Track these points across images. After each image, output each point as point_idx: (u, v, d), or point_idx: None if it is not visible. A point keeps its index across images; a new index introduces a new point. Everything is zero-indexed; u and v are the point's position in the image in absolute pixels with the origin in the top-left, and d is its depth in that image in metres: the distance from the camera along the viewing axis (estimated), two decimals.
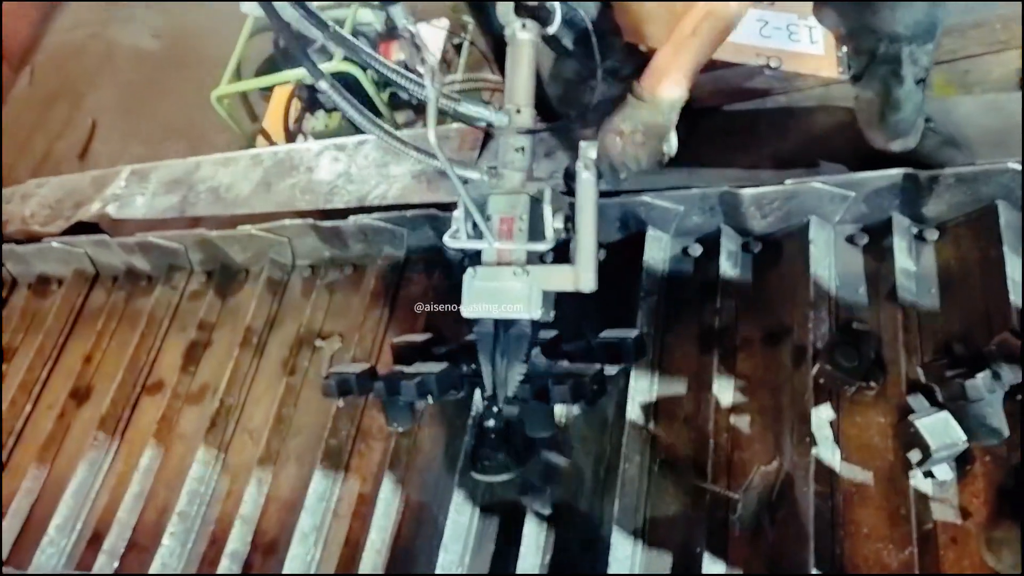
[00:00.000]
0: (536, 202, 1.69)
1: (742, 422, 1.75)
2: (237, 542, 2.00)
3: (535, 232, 1.69)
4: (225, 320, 2.45)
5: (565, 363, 1.78)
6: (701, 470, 1.70)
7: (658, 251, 2.01)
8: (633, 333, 1.77)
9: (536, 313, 1.66)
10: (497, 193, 1.72)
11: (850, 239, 1.88)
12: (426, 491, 1.92)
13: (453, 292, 1.76)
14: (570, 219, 1.71)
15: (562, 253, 1.70)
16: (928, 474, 1.53)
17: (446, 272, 2.22)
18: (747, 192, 1.85)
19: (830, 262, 1.84)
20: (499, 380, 1.71)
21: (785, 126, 2.06)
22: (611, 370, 1.76)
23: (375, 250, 2.31)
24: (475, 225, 1.68)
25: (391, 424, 1.79)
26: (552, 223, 1.68)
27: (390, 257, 2.29)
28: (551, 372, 1.70)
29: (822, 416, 1.65)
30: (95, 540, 2.17)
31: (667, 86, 1.69)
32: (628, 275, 2.01)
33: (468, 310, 1.70)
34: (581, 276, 1.64)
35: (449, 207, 1.79)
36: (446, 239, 1.75)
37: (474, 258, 1.74)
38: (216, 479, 2.15)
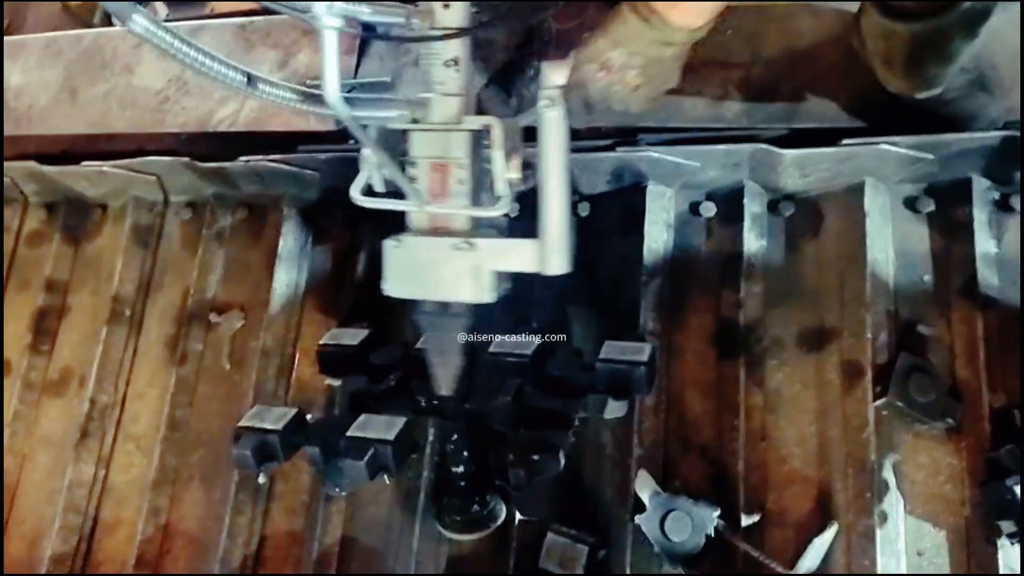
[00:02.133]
0: (480, 140, 1.22)
1: (776, 456, 1.40)
2: None
3: (481, 185, 1.23)
4: (82, 278, 1.87)
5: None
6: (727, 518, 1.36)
7: (661, 212, 1.54)
8: (645, 352, 1.35)
9: (488, 298, 1.25)
10: (422, 129, 1.23)
11: (911, 203, 1.45)
12: (374, 532, 1.53)
13: None
14: (530, 165, 1.23)
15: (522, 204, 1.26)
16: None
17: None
18: (790, 153, 1.38)
19: (887, 239, 1.43)
20: (436, 373, 1.33)
21: (759, 40, 1.53)
22: (618, 409, 1.35)
23: (275, 190, 1.75)
24: None
25: (331, 489, 1.37)
26: (504, 173, 1.20)
27: (297, 199, 1.74)
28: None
29: (885, 461, 1.32)
30: None
31: (689, 9, 1.13)
32: (620, 241, 1.56)
33: (392, 288, 1.28)
34: (549, 256, 1.20)
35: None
36: (353, 192, 1.26)
37: (397, 216, 1.28)
38: (97, 506, 1.69)
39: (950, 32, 1.15)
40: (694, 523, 1.32)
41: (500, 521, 1.40)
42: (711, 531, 1.32)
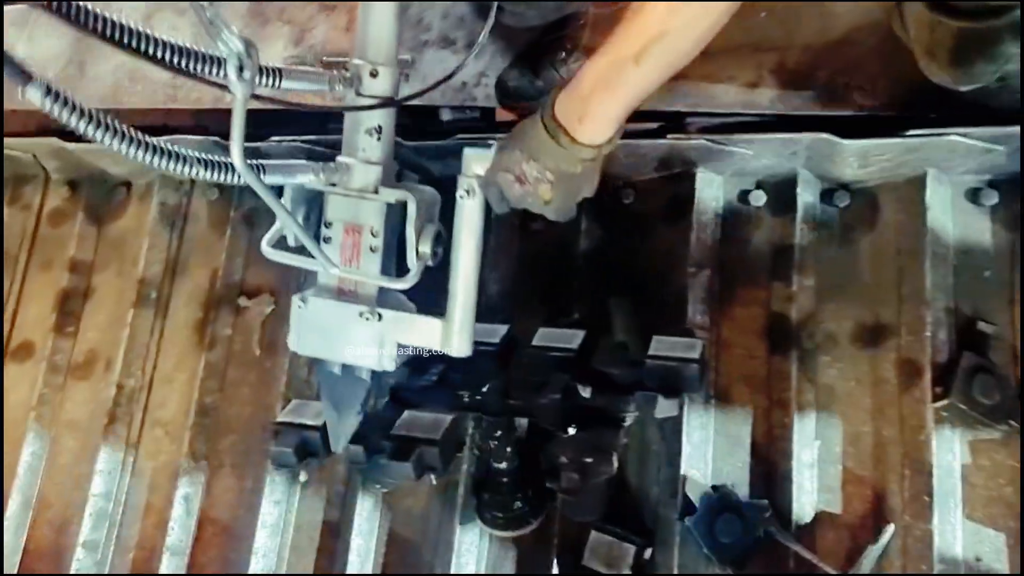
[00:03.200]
0: (395, 211, 1.22)
1: (830, 456, 1.35)
2: None
3: (391, 254, 1.24)
4: (107, 259, 1.83)
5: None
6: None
7: (711, 200, 1.49)
8: (696, 349, 1.30)
9: (389, 366, 1.25)
10: (340, 193, 1.23)
11: (973, 196, 1.40)
12: (412, 525, 1.50)
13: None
14: (441, 237, 1.23)
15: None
16: None
17: None
18: (852, 144, 1.33)
19: (949, 233, 1.38)
20: (332, 430, 1.31)
21: (794, 22, 1.47)
22: (669, 408, 1.31)
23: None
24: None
25: (372, 487, 1.33)
26: (417, 244, 1.20)
27: None
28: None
29: (944, 462, 1.28)
30: None
31: (593, 128, 1.07)
32: (666, 230, 1.51)
33: (297, 345, 1.28)
34: (453, 338, 1.21)
35: None
36: (264, 246, 1.27)
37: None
38: (128, 491, 1.66)
39: (1000, 34, 1.10)
40: (745, 524, 1.29)
41: (542, 518, 1.36)
42: (761, 532, 1.29)
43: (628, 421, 1.31)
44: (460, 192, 1.18)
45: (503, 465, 1.33)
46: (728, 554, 1.27)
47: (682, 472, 1.35)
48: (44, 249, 1.87)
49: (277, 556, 1.52)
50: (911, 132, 1.29)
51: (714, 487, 1.33)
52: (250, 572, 1.50)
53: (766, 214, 1.49)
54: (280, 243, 1.27)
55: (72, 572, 1.59)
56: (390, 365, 1.22)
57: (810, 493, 1.34)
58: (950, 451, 1.29)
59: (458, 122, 1.62)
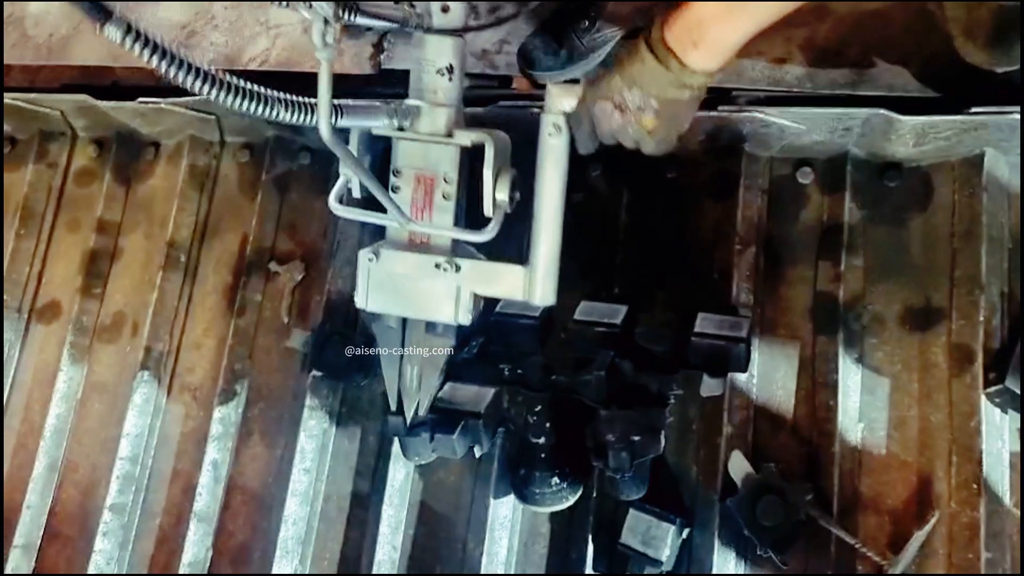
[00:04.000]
0: (470, 155, 1.17)
1: (875, 440, 1.33)
2: (197, 547, 1.55)
3: (467, 201, 1.21)
4: (135, 220, 1.79)
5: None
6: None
7: (757, 176, 1.45)
8: (743, 327, 1.27)
9: (466, 320, 1.21)
10: (409, 138, 1.18)
11: None
12: (444, 499, 1.48)
13: None
14: (517, 183, 1.19)
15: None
16: None
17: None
18: (911, 120, 1.29)
19: (1006, 216, 1.34)
20: (407, 396, 1.29)
21: None
22: (714, 387, 1.29)
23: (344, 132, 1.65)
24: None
25: (411, 459, 1.31)
26: (494, 190, 1.15)
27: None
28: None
29: (994, 449, 1.25)
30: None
31: (708, 55, 1.00)
32: (712, 205, 1.48)
33: (365, 302, 1.24)
34: (537, 286, 1.16)
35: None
36: (331, 201, 1.24)
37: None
38: (154, 455, 1.64)
39: None
40: (787, 507, 1.26)
41: (579, 494, 1.35)
42: (803, 515, 1.27)
43: (672, 400, 1.28)
44: (547, 130, 1.12)
45: (541, 440, 1.30)
46: (770, 537, 1.25)
47: (723, 452, 1.33)
48: (71, 209, 1.84)
49: (307, 525, 1.50)
50: (974, 109, 1.25)
51: (756, 468, 1.31)
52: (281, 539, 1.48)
53: (814, 192, 1.45)
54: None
55: (99, 534, 1.57)
56: (467, 319, 1.19)
57: (852, 477, 1.32)
58: (1000, 438, 1.27)
59: (474, 89, 1.57)
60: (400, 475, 1.47)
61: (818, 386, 1.36)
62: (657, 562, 1.30)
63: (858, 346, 1.36)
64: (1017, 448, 1.27)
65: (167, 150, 1.80)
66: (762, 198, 1.45)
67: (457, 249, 1.23)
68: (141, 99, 1.63)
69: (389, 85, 1.53)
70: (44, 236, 1.83)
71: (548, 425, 1.30)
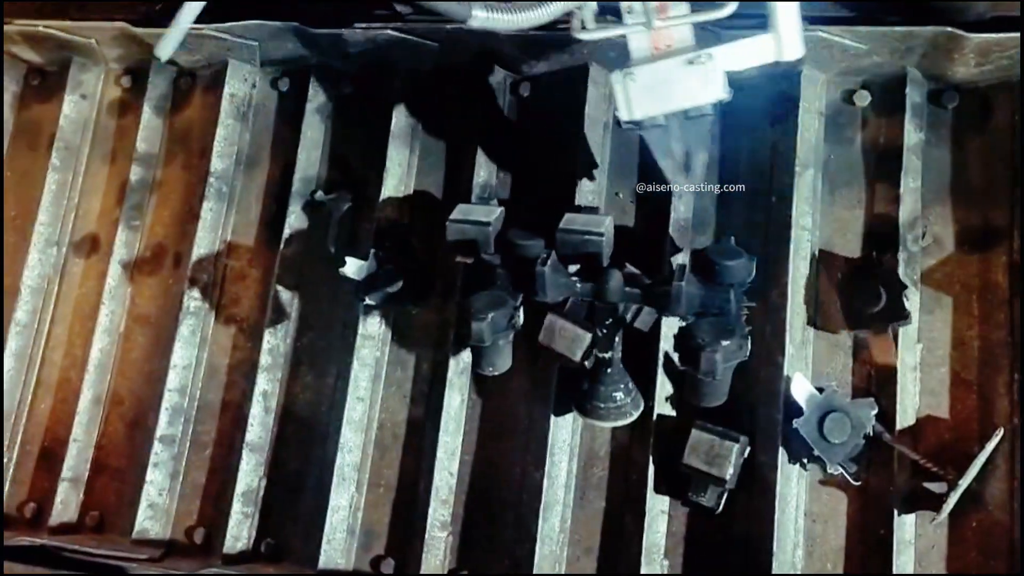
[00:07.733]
0: None
1: (934, 359, 1.35)
2: (249, 476, 1.55)
3: None
4: (173, 151, 1.77)
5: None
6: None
7: (815, 99, 1.44)
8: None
9: (726, 95, 1.24)
10: None
11: None
12: (502, 422, 1.49)
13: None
14: None
15: None
16: None
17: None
18: (976, 38, 1.28)
19: None
20: (676, 169, 1.37)
21: None
22: None
23: (387, 62, 1.63)
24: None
25: (484, 369, 1.32)
26: None
27: (412, 74, 1.62)
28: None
29: None
30: (47, 462, 1.68)
31: None
32: (769, 129, 1.47)
33: (630, 113, 1.26)
34: (786, 43, 1.16)
35: None
36: (573, 31, 1.20)
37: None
38: (201, 386, 1.64)
39: None
40: (853, 424, 1.28)
41: (642, 410, 1.35)
42: (870, 430, 1.29)
43: (746, 312, 1.29)
44: None
45: (608, 355, 1.31)
46: (839, 454, 1.27)
47: (785, 373, 1.34)
48: (106, 140, 1.81)
49: (362, 452, 1.51)
50: None
51: (819, 388, 1.32)
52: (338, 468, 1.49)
53: (871, 114, 1.45)
54: None
55: (150, 465, 1.57)
56: (727, 93, 1.22)
57: (913, 396, 1.34)
58: None
59: None
60: (456, 401, 1.48)
61: None
62: (721, 480, 1.31)
63: (916, 267, 1.37)
64: None
65: (204, 80, 1.77)
66: (819, 120, 1.45)
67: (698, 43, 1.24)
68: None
69: None
70: (80, 169, 1.79)
71: (617, 340, 1.31)
